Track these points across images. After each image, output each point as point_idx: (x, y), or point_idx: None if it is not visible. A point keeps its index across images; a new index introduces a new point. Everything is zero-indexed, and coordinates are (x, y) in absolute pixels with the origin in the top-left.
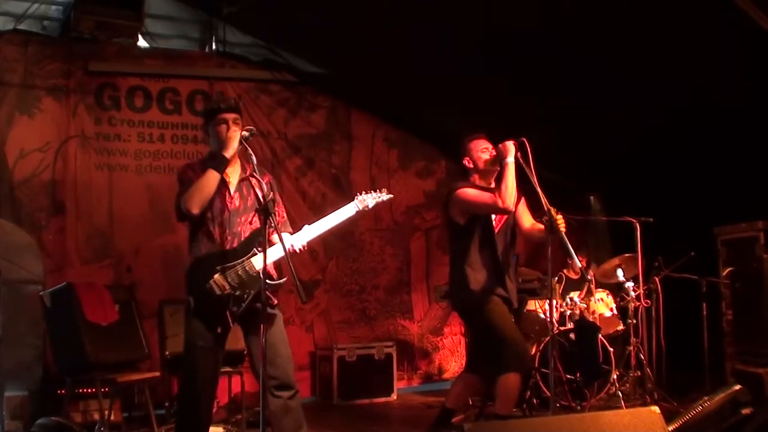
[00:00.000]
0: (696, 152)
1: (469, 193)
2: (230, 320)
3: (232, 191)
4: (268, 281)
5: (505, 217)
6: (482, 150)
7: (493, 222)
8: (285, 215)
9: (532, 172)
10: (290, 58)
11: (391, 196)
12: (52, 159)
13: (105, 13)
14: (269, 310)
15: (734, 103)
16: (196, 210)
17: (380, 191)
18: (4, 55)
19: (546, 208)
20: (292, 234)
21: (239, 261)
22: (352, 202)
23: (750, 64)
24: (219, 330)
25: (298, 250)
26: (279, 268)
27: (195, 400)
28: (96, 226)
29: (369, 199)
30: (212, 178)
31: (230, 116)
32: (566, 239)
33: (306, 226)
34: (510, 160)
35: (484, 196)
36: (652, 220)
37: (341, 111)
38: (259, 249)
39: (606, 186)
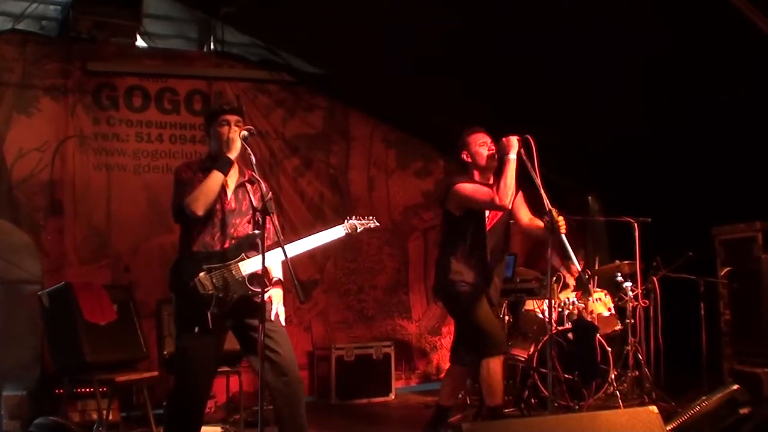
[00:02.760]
0: (694, 152)
1: (467, 188)
2: (210, 322)
3: (229, 193)
4: (254, 289)
5: (501, 213)
6: (481, 144)
7: (486, 218)
8: (277, 223)
9: (535, 170)
10: (288, 58)
11: (378, 224)
12: (50, 159)
13: (103, 13)
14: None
15: (733, 103)
16: (201, 212)
17: (368, 218)
18: (2, 54)
19: (548, 209)
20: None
21: (226, 264)
22: (341, 225)
23: (749, 64)
24: (196, 329)
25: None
26: (265, 275)
27: (185, 399)
28: (94, 226)
29: (357, 224)
30: (217, 179)
31: (232, 118)
32: (566, 241)
33: (293, 243)
34: (512, 156)
35: (481, 192)
36: (650, 220)
37: (339, 111)
38: (249, 254)
39: (604, 186)
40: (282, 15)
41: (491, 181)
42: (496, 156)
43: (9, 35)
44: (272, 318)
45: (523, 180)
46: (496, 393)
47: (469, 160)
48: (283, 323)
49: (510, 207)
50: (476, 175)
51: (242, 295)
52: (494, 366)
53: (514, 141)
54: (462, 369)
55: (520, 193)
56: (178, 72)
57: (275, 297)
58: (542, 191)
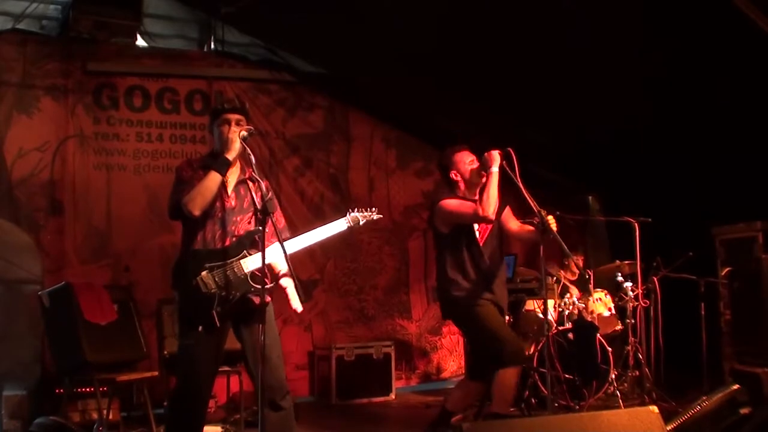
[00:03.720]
0: (695, 152)
1: (451, 204)
2: (216, 320)
3: (229, 191)
4: (258, 285)
5: (490, 226)
6: (469, 162)
7: (476, 230)
8: (284, 221)
9: (518, 181)
10: (288, 57)
11: (381, 216)
12: (51, 158)
13: (103, 13)
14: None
15: (734, 103)
16: (198, 212)
17: (371, 210)
18: (3, 54)
19: (536, 211)
20: (287, 238)
21: (229, 261)
22: (343, 219)
23: (750, 63)
24: (200, 328)
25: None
26: (270, 270)
27: (187, 398)
28: (94, 225)
29: (360, 217)
30: (215, 180)
31: (234, 117)
32: (560, 238)
33: (296, 238)
34: (494, 169)
35: (465, 206)
36: (650, 220)
37: (339, 111)
38: (251, 252)
39: (604, 186)
40: (282, 14)
41: (477, 197)
42: (480, 171)
43: (9, 35)
44: (293, 306)
45: (510, 193)
46: (507, 402)
47: (458, 178)
48: (300, 309)
49: (493, 218)
50: (465, 191)
51: (245, 292)
52: (510, 376)
53: (495, 155)
54: (478, 385)
55: (508, 208)
56: (179, 72)
57: (289, 287)
58: (528, 197)
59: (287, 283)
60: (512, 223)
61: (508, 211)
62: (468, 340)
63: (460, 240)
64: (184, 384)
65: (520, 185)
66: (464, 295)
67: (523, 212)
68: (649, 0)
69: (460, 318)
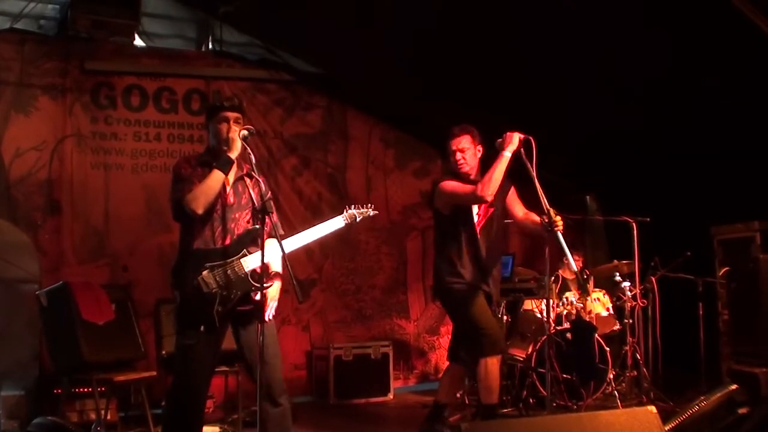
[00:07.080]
0: (693, 152)
1: (450, 184)
2: (216, 319)
3: (227, 188)
4: (258, 284)
5: (492, 210)
6: (457, 150)
7: (474, 215)
8: (276, 216)
9: (534, 171)
10: (287, 57)
11: (377, 212)
12: (48, 158)
13: (101, 12)
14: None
15: (732, 103)
16: (201, 211)
17: (367, 207)
18: (1, 53)
19: (546, 209)
20: (283, 235)
21: (229, 260)
22: (339, 216)
23: (749, 63)
24: (202, 328)
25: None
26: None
27: (185, 397)
28: (92, 225)
29: (356, 214)
30: (218, 179)
31: (232, 115)
32: (563, 240)
33: (294, 236)
34: (507, 153)
35: (464, 187)
36: (648, 219)
37: (337, 110)
38: (250, 250)
39: (602, 186)
40: (280, 14)
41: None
42: (496, 146)
43: (7, 34)
44: (267, 318)
45: (520, 179)
46: (493, 392)
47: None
48: (269, 318)
49: (491, 200)
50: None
51: (245, 291)
52: (492, 365)
53: (515, 139)
54: (460, 368)
55: (513, 189)
56: (177, 71)
57: (272, 293)
58: (540, 192)
59: (272, 292)
60: (518, 209)
61: (513, 194)
62: (453, 323)
63: (458, 223)
64: (182, 384)
65: (534, 177)
66: (456, 280)
67: (529, 207)
68: (648, 3)
69: (447, 301)
